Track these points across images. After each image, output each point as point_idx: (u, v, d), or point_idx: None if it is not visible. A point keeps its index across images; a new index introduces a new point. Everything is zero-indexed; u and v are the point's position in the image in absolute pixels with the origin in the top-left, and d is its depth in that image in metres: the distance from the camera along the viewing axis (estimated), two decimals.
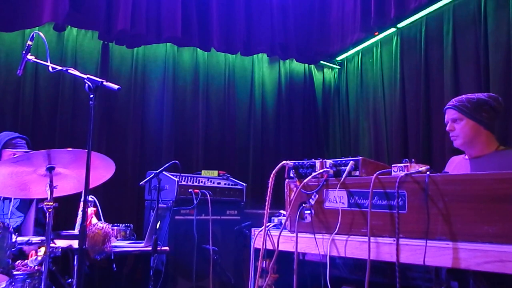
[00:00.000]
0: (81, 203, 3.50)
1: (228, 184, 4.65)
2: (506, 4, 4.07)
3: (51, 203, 2.74)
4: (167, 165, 3.82)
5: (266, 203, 2.27)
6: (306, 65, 6.62)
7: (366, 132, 5.94)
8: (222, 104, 5.99)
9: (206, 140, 5.81)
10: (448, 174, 1.85)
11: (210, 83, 5.95)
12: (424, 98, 4.85)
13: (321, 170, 2.17)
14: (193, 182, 4.39)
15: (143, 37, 5.14)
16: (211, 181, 4.56)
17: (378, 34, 5.61)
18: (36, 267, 2.91)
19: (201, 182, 4.47)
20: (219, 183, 4.60)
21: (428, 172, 1.81)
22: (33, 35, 2.87)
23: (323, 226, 2.13)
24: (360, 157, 2.09)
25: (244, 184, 4.73)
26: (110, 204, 4.65)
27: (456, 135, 2.87)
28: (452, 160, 3.12)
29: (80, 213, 3.63)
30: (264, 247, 2.30)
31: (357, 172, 2.07)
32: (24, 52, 2.83)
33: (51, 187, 2.78)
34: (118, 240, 3.90)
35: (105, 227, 3.50)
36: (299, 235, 2.18)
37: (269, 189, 2.29)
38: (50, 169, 2.80)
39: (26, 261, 3.02)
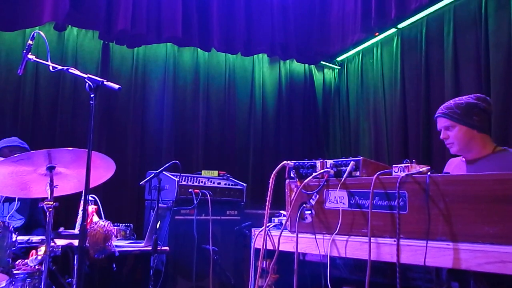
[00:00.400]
0: (81, 203, 3.50)
1: (228, 184, 4.65)
2: (507, 5, 4.07)
3: (51, 203, 2.74)
4: (167, 165, 3.82)
5: (267, 203, 2.27)
6: (307, 65, 6.62)
7: (366, 132, 5.94)
8: (222, 104, 6.00)
9: (206, 140, 5.81)
10: (449, 175, 1.85)
11: (210, 83, 5.95)
12: (424, 99, 4.85)
13: (322, 171, 2.17)
14: (193, 182, 4.39)
15: (144, 37, 5.15)
16: (211, 181, 4.55)
17: (378, 35, 5.61)
18: (36, 267, 2.91)
19: (201, 182, 4.47)
20: (219, 183, 4.59)
21: (429, 173, 1.80)
22: (33, 34, 2.87)
23: (323, 227, 2.13)
24: (361, 158, 2.09)
25: (244, 184, 4.73)
26: (110, 204, 4.64)
27: (451, 142, 2.84)
28: (450, 162, 3.11)
29: (80, 212, 3.63)
30: (264, 247, 2.29)
31: (358, 172, 2.07)
32: (24, 51, 2.83)
33: (52, 186, 2.78)
34: (118, 239, 3.90)
35: (107, 225, 3.50)
36: (299, 235, 2.17)
37: (269, 189, 2.29)
38: (51, 169, 2.80)
39: (26, 260, 3.02)
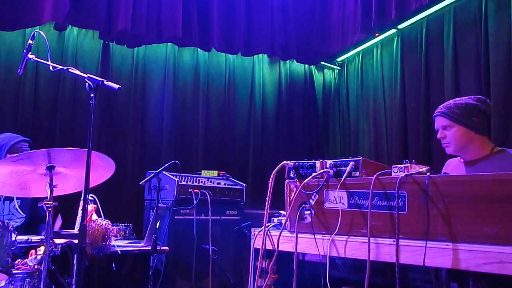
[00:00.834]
0: (81, 202, 3.50)
1: (228, 184, 4.65)
2: (507, 6, 4.07)
3: (51, 202, 2.74)
4: (167, 165, 3.82)
5: (266, 203, 2.27)
6: (307, 65, 6.63)
7: (366, 133, 5.94)
8: (222, 104, 6.00)
9: (206, 140, 5.81)
10: (448, 175, 1.86)
11: (210, 83, 5.95)
12: (424, 99, 4.85)
13: (321, 171, 2.17)
14: (193, 182, 4.39)
15: (144, 37, 5.15)
16: (211, 181, 4.55)
17: (378, 35, 5.61)
18: (35, 266, 2.91)
19: (201, 182, 4.47)
20: (219, 183, 4.59)
21: (428, 173, 1.81)
22: (33, 34, 2.87)
23: (323, 227, 2.13)
24: (360, 158, 2.09)
25: (244, 185, 4.73)
26: (110, 204, 4.64)
27: (447, 142, 2.82)
28: (448, 163, 3.10)
29: (80, 212, 3.63)
30: (263, 247, 2.30)
31: (357, 172, 2.07)
32: (25, 51, 2.83)
33: (51, 186, 2.78)
34: (117, 239, 3.90)
35: (105, 224, 3.50)
36: (299, 235, 2.18)
37: (269, 189, 2.29)
38: (50, 168, 2.80)
39: (25, 260, 3.02)
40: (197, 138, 5.73)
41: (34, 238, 3.20)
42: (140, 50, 5.49)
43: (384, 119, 5.54)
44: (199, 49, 5.76)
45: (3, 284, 2.77)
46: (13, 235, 2.88)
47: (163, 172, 3.95)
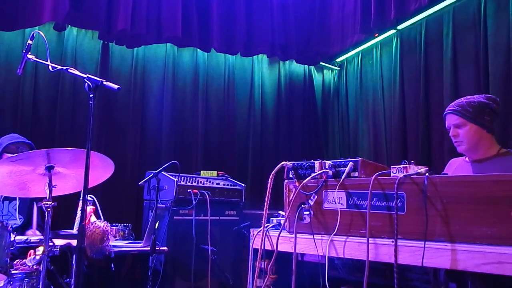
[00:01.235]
0: (80, 203, 3.50)
1: (227, 185, 4.65)
2: (506, 7, 4.07)
3: (50, 202, 2.75)
4: (166, 165, 3.82)
5: (265, 204, 2.27)
6: (306, 66, 6.62)
7: (365, 133, 5.94)
8: (221, 105, 6.00)
9: (206, 140, 5.80)
10: (447, 176, 1.86)
11: (210, 83, 5.95)
12: (423, 100, 4.85)
13: (320, 171, 2.18)
14: (192, 183, 4.39)
15: (143, 37, 5.14)
16: (210, 182, 4.56)
17: (378, 36, 5.62)
18: (34, 266, 2.91)
19: (200, 182, 4.47)
20: (218, 184, 4.60)
21: (427, 174, 1.81)
22: (33, 34, 2.88)
23: (322, 227, 2.13)
24: (359, 158, 2.09)
25: (243, 185, 4.73)
26: (109, 204, 4.64)
27: (460, 140, 2.82)
28: (452, 163, 3.10)
29: (78, 212, 3.63)
30: (262, 247, 2.30)
31: (356, 173, 2.07)
32: (24, 51, 2.83)
33: (50, 186, 2.78)
34: (116, 240, 3.90)
35: (104, 226, 3.49)
36: (298, 235, 2.18)
37: (268, 190, 2.29)
38: (49, 169, 2.80)
39: (24, 260, 3.02)
40: (196, 138, 5.73)
41: (33, 238, 3.20)
42: (140, 50, 5.49)
43: (383, 120, 5.54)
44: (198, 50, 5.76)
45: (2, 285, 2.77)
46: (12, 235, 2.88)
47: (162, 172, 3.95)
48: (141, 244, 3.81)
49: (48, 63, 2.81)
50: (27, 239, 3.16)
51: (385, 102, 5.55)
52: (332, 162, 2.17)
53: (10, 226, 2.90)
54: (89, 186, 2.44)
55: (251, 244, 2.45)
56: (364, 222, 1.92)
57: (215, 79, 6.00)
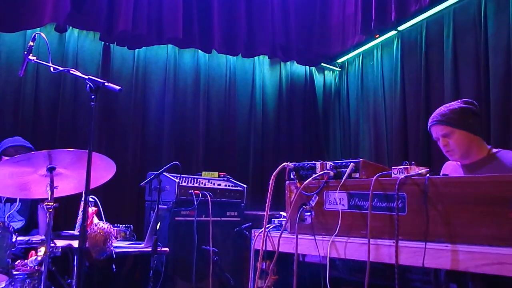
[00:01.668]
0: (82, 204, 3.51)
1: (229, 186, 4.65)
2: (506, 7, 4.08)
3: (52, 203, 2.75)
4: (167, 166, 3.83)
5: (267, 205, 2.27)
6: (307, 67, 6.62)
7: (366, 134, 5.94)
8: (222, 106, 6.00)
9: (207, 141, 5.81)
10: (447, 177, 1.86)
11: (211, 84, 5.95)
12: (424, 101, 4.86)
13: (322, 172, 2.18)
14: (193, 183, 4.39)
15: (144, 38, 5.15)
16: (211, 183, 4.56)
17: (378, 37, 5.62)
18: (35, 267, 2.91)
19: (202, 183, 4.47)
20: (219, 185, 4.60)
21: (427, 175, 1.81)
22: (34, 35, 2.88)
23: (323, 228, 2.13)
24: (361, 159, 2.09)
25: (245, 186, 4.73)
26: (111, 205, 4.64)
27: (451, 150, 2.80)
28: (446, 165, 3.10)
29: (80, 213, 3.63)
30: (264, 248, 2.30)
31: (357, 174, 2.08)
32: (25, 52, 2.84)
33: (52, 187, 2.79)
34: (118, 240, 3.90)
35: (107, 227, 3.50)
36: (299, 236, 2.18)
37: (269, 191, 2.29)
38: (51, 170, 2.81)
39: (25, 261, 3.02)
40: (197, 139, 5.73)
41: (35, 239, 3.21)
42: (141, 51, 5.49)
43: (384, 121, 5.54)
44: (199, 51, 5.76)
45: (3, 285, 2.78)
46: (14, 236, 2.89)
47: (164, 173, 3.95)
48: (143, 245, 3.82)
49: (50, 64, 2.82)
50: (28, 240, 3.17)
51: (386, 103, 5.56)
52: (333, 163, 2.17)
53: (11, 227, 2.90)
54: (91, 187, 2.45)
55: (252, 245, 2.45)
56: (365, 223, 1.93)
57: (216, 80, 6.00)
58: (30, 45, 2.85)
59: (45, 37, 2.93)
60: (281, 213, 2.57)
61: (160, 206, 3.81)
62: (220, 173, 4.78)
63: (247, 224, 4.28)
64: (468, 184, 1.69)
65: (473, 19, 4.43)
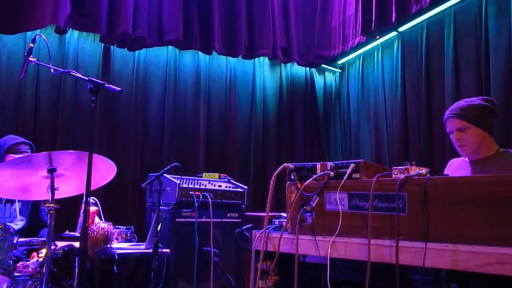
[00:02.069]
0: (83, 205, 3.51)
1: (229, 187, 4.65)
2: (507, 9, 4.08)
3: (53, 205, 2.75)
4: (168, 167, 3.82)
5: (267, 205, 2.27)
6: (308, 68, 6.63)
7: (367, 135, 5.94)
8: (223, 107, 6.00)
9: (207, 143, 5.81)
10: (448, 177, 1.86)
11: (211, 86, 5.96)
12: (425, 102, 4.86)
13: (322, 173, 2.18)
14: (194, 185, 4.38)
15: (145, 40, 5.15)
16: (212, 184, 4.55)
17: (379, 38, 5.62)
18: (37, 269, 2.91)
19: (202, 184, 4.46)
20: (220, 186, 4.59)
21: (428, 175, 1.81)
22: (34, 37, 2.89)
23: (323, 228, 2.13)
24: (361, 160, 2.09)
25: (245, 187, 4.72)
26: (112, 206, 4.65)
27: (464, 144, 2.80)
28: (451, 163, 3.10)
29: (81, 215, 3.63)
30: (264, 249, 2.30)
31: (358, 174, 2.08)
32: (26, 54, 2.84)
33: (53, 189, 2.79)
34: (119, 242, 3.90)
35: (107, 227, 3.50)
36: (300, 237, 2.18)
37: (270, 191, 2.29)
38: (52, 171, 2.81)
39: (27, 262, 3.03)
40: (198, 141, 5.73)
41: (36, 240, 3.21)
42: (141, 53, 5.50)
43: (385, 122, 5.54)
44: (200, 52, 5.77)
45: (5, 287, 2.78)
46: (15, 238, 2.89)
47: (164, 174, 3.95)
48: (144, 246, 3.82)
49: (50, 66, 2.83)
50: (30, 241, 3.17)
51: (386, 104, 5.56)
52: (333, 163, 2.17)
53: (12, 229, 2.90)
54: (92, 189, 2.45)
55: (253, 246, 2.45)
56: (365, 223, 1.93)
57: (216, 81, 6.01)
58: (30, 46, 2.86)
59: (45, 38, 2.93)
60: (282, 214, 2.57)
61: (160, 207, 3.81)
62: (220, 174, 4.78)
63: (248, 225, 4.28)
64: (469, 184, 1.69)
65: (473, 20, 4.43)
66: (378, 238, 1.88)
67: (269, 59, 6.31)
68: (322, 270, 2.03)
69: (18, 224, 3.78)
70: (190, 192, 4.22)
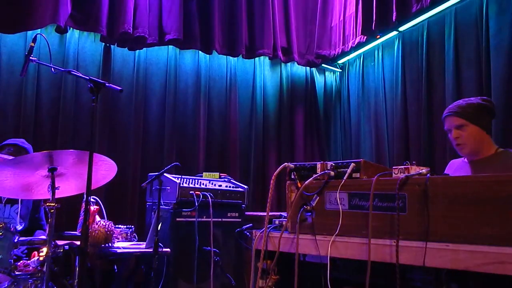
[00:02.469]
0: (83, 204, 3.51)
1: (230, 187, 4.65)
2: (508, 8, 4.08)
3: (53, 204, 2.76)
4: (168, 166, 3.83)
5: (267, 204, 2.27)
6: (308, 68, 6.63)
7: (367, 135, 5.94)
8: (223, 107, 6.00)
9: (208, 142, 5.81)
10: (448, 176, 1.86)
11: (211, 85, 5.96)
12: (425, 101, 4.86)
13: (322, 172, 2.18)
14: (194, 184, 4.38)
15: (145, 39, 5.16)
16: (212, 183, 4.56)
17: (379, 38, 5.62)
18: (38, 268, 2.92)
19: (203, 184, 4.47)
20: (220, 185, 4.59)
21: (428, 174, 1.81)
22: (35, 36, 2.89)
23: (324, 228, 2.13)
24: (361, 159, 2.09)
25: (246, 187, 4.73)
26: (112, 206, 4.65)
27: (462, 143, 2.81)
28: (451, 164, 3.11)
29: (82, 214, 3.64)
30: (265, 248, 2.30)
31: (358, 174, 2.08)
32: (26, 53, 2.85)
33: (53, 188, 2.79)
34: (119, 241, 3.91)
35: (108, 225, 3.51)
36: (300, 236, 2.18)
37: (270, 190, 2.29)
38: (52, 170, 2.81)
39: (28, 261, 3.03)
40: (198, 140, 5.73)
41: (37, 239, 3.21)
42: (142, 52, 5.50)
43: (385, 121, 5.54)
44: (200, 52, 5.78)
45: (5, 286, 2.78)
46: (16, 237, 2.89)
47: (165, 174, 3.95)
48: (144, 245, 3.82)
49: (51, 65, 2.83)
50: (30, 240, 3.17)
51: (387, 104, 5.56)
52: (334, 163, 2.17)
53: (13, 227, 2.91)
54: (92, 188, 2.45)
55: (253, 245, 2.45)
56: (366, 222, 1.93)
57: (217, 81, 6.01)
58: (31, 46, 2.86)
59: (46, 38, 2.94)
60: (283, 213, 2.57)
61: (161, 207, 3.81)
62: (221, 174, 4.78)
63: (248, 225, 4.28)
64: (469, 183, 1.69)
65: (474, 20, 4.43)
66: (378, 238, 1.88)
67: (269, 59, 6.32)
68: (322, 270, 2.03)
69: (17, 227, 3.78)
70: (191, 192, 4.22)
